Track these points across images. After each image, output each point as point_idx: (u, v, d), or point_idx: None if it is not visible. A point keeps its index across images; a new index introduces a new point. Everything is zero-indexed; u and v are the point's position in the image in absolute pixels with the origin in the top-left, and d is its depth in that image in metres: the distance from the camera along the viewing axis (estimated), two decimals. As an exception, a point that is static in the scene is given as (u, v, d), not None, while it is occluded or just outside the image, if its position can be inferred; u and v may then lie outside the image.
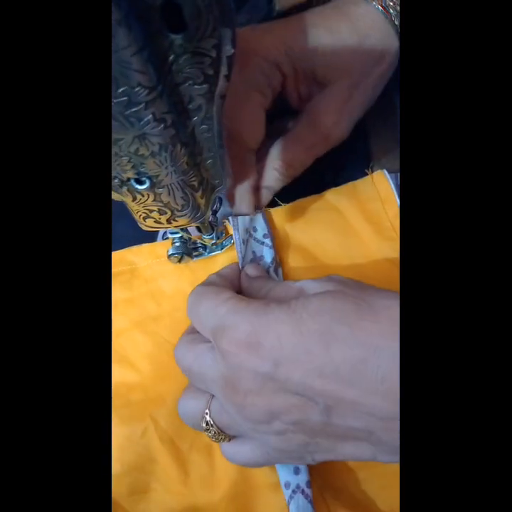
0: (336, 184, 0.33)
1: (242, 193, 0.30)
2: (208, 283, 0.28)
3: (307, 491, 0.26)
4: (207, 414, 0.25)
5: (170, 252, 0.30)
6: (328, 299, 0.22)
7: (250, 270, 0.30)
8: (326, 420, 0.21)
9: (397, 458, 0.22)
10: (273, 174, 0.31)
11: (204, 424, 0.25)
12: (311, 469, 0.27)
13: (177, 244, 0.30)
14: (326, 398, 0.21)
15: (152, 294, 0.32)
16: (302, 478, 0.26)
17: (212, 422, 0.25)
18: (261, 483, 0.28)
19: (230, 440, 0.26)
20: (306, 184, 0.33)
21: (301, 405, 0.22)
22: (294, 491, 0.26)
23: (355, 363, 0.20)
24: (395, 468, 0.28)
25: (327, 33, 0.29)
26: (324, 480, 0.28)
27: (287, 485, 0.26)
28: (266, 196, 0.31)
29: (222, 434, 0.25)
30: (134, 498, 0.30)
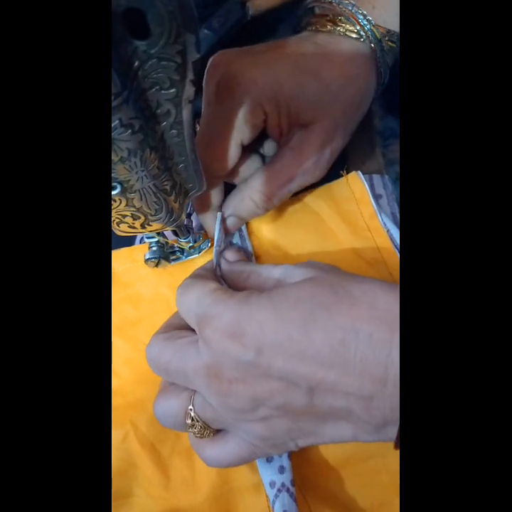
0: (312, 184, 0.33)
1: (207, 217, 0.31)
2: (195, 276, 0.28)
3: (292, 489, 0.26)
4: (191, 410, 0.25)
5: (147, 257, 0.30)
6: (306, 287, 0.23)
7: (229, 255, 0.30)
8: (309, 402, 0.22)
9: (377, 437, 0.22)
10: (249, 204, 0.31)
11: (189, 421, 0.25)
12: (292, 469, 0.27)
13: (154, 248, 0.30)
14: (308, 381, 0.22)
15: (130, 299, 0.32)
16: (287, 477, 0.26)
17: (197, 417, 0.25)
18: (242, 485, 0.28)
19: (214, 434, 0.26)
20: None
21: (285, 389, 0.22)
22: (279, 490, 0.26)
23: (335, 344, 0.21)
24: (375, 466, 0.28)
25: (314, 77, 0.29)
26: (305, 479, 0.28)
27: (272, 484, 0.26)
28: (234, 224, 0.32)
29: (208, 429, 0.26)
30: (117, 503, 0.29)
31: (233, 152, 0.29)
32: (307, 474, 0.28)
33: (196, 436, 0.26)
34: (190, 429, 0.26)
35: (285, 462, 0.27)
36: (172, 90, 0.19)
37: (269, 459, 0.27)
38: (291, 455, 0.28)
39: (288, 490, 0.26)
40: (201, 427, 0.25)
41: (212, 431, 0.26)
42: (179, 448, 0.29)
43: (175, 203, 0.25)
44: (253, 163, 0.32)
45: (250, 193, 0.31)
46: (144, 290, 0.33)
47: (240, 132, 0.29)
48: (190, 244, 0.31)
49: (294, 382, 0.22)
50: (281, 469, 0.27)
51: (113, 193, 0.22)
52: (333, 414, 0.23)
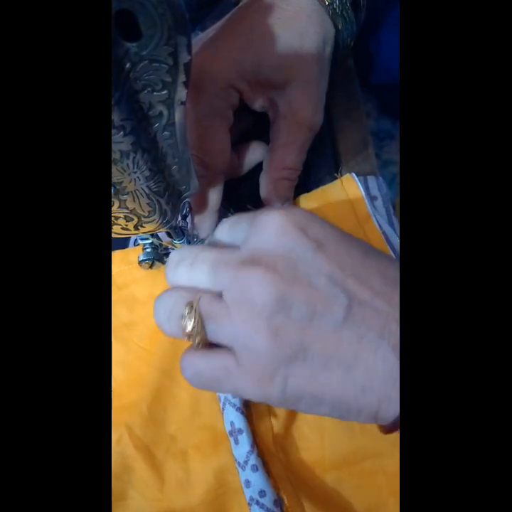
0: (306, 187, 0.33)
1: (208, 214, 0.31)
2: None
3: (262, 500, 0.26)
4: (197, 300, 0.22)
5: (141, 258, 0.30)
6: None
7: None
8: (341, 322, 0.21)
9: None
10: (284, 184, 0.32)
11: (187, 310, 0.22)
12: (286, 469, 0.27)
13: (148, 250, 0.30)
14: (352, 296, 0.21)
15: (125, 301, 0.32)
16: (254, 490, 0.26)
17: (198, 308, 0.22)
18: (237, 486, 0.28)
19: (203, 345, 0.22)
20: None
21: (324, 298, 0.21)
22: (249, 504, 0.26)
23: (385, 276, 0.22)
24: (371, 467, 0.28)
25: (271, 40, 0.30)
26: (299, 480, 0.28)
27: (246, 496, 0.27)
28: (288, 205, 0.32)
29: (202, 330, 0.22)
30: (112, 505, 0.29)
31: (226, 140, 0.30)
32: (302, 476, 0.28)
33: (187, 333, 0.22)
34: (185, 320, 0.22)
35: (250, 476, 0.27)
36: (164, 92, 0.19)
37: (239, 470, 0.27)
38: (284, 465, 0.28)
39: (257, 502, 0.26)
40: (197, 323, 0.22)
41: (204, 336, 0.22)
42: (174, 450, 0.29)
43: (168, 204, 0.25)
44: (255, 150, 0.33)
45: (278, 174, 0.32)
46: (138, 292, 0.32)
47: (225, 118, 0.30)
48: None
49: (336, 294, 0.21)
50: (247, 483, 0.27)
51: (105, 194, 0.22)
52: (353, 350, 0.20)
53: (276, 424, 0.28)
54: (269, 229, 0.22)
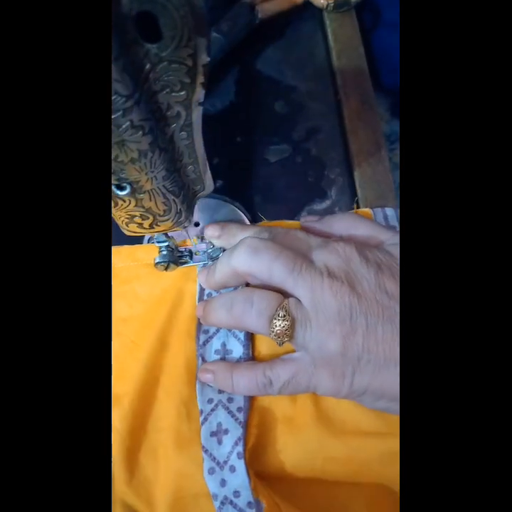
0: (319, 188, 0.34)
1: None
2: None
3: (235, 500, 0.26)
4: (287, 304, 0.25)
5: (157, 260, 0.30)
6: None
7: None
8: (398, 329, 0.24)
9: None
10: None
11: (282, 312, 0.25)
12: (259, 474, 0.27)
13: (164, 252, 0.30)
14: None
15: (125, 296, 0.32)
16: (228, 490, 0.26)
17: (291, 313, 0.25)
18: (200, 492, 0.27)
19: (289, 339, 0.26)
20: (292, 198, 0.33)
21: (385, 308, 0.24)
22: (222, 503, 0.26)
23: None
24: (324, 493, 0.28)
25: None
26: (271, 486, 0.27)
27: (214, 497, 0.26)
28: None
29: (291, 330, 0.25)
30: None
31: None
32: (278, 486, 0.28)
33: (277, 332, 0.25)
34: (278, 321, 0.25)
35: (226, 476, 0.26)
36: (182, 93, 0.19)
37: (210, 472, 0.26)
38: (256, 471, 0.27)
39: (231, 502, 0.26)
40: (289, 325, 0.25)
41: (291, 335, 0.25)
42: (146, 447, 0.29)
43: (183, 204, 0.25)
44: None
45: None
46: (140, 289, 0.32)
47: None
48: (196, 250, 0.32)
49: (394, 306, 0.24)
50: (223, 482, 0.26)
51: (123, 193, 0.22)
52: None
53: (251, 436, 0.28)
54: (341, 253, 0.26)
